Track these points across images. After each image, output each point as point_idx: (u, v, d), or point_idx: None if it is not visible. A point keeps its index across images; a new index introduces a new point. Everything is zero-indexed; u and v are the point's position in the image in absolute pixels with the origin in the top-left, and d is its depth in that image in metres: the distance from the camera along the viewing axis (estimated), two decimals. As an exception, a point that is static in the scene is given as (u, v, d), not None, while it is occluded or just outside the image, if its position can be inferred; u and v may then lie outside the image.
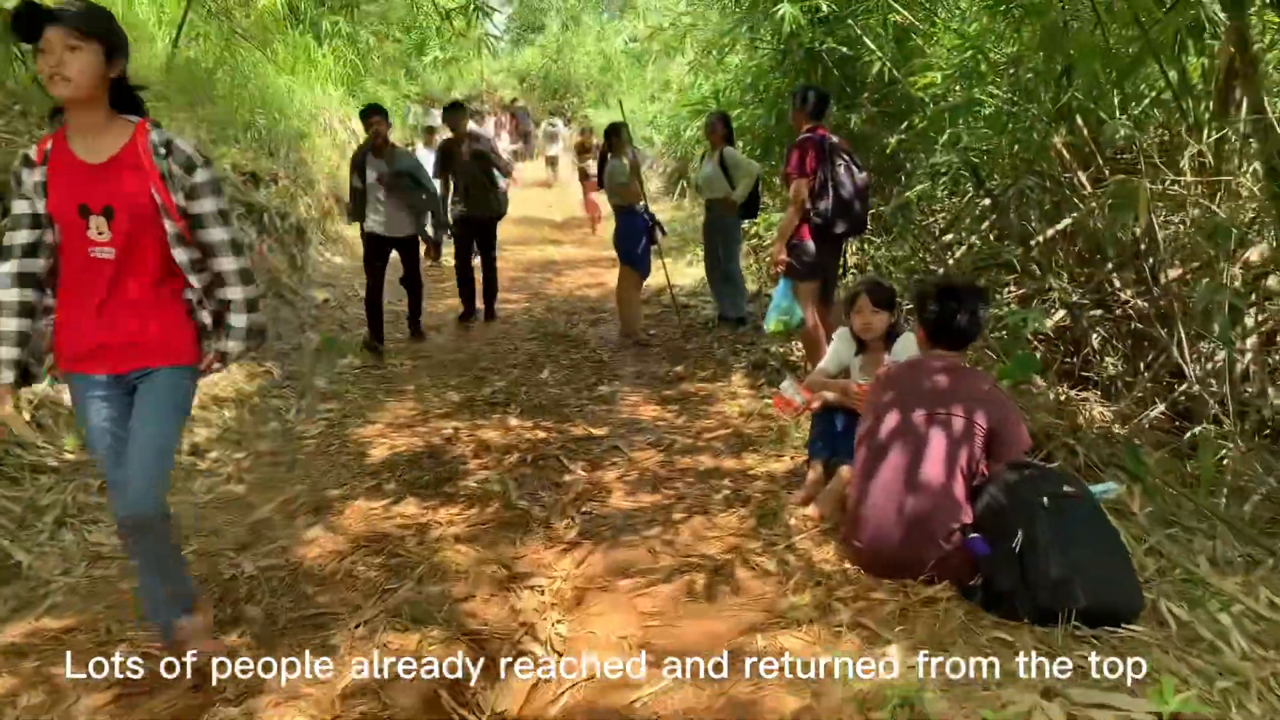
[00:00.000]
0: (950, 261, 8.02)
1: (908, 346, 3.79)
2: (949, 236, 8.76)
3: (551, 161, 20.94)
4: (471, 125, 9.07)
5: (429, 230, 7.05)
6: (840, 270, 5.66)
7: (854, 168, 5.23)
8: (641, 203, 7.34)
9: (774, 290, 5.45)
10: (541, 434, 4.91)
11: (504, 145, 14.37)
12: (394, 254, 7.00)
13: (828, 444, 3.85)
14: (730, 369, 6.17)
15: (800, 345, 6.17)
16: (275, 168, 10.32)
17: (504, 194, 8.40)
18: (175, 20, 11.28)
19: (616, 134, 7.37)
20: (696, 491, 3.97)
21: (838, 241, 5.41)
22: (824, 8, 8.61)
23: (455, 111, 8.11)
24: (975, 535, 2.91)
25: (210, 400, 5.20)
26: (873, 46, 8.39)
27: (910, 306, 5.73)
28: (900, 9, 8.29)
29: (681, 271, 10.35)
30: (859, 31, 8.49)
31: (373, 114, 6.86)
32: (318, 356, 6.60)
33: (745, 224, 8.37)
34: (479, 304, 8.33)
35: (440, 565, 3.27)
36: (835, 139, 5.35)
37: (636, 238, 7.31)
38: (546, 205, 17.53)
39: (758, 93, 10.68)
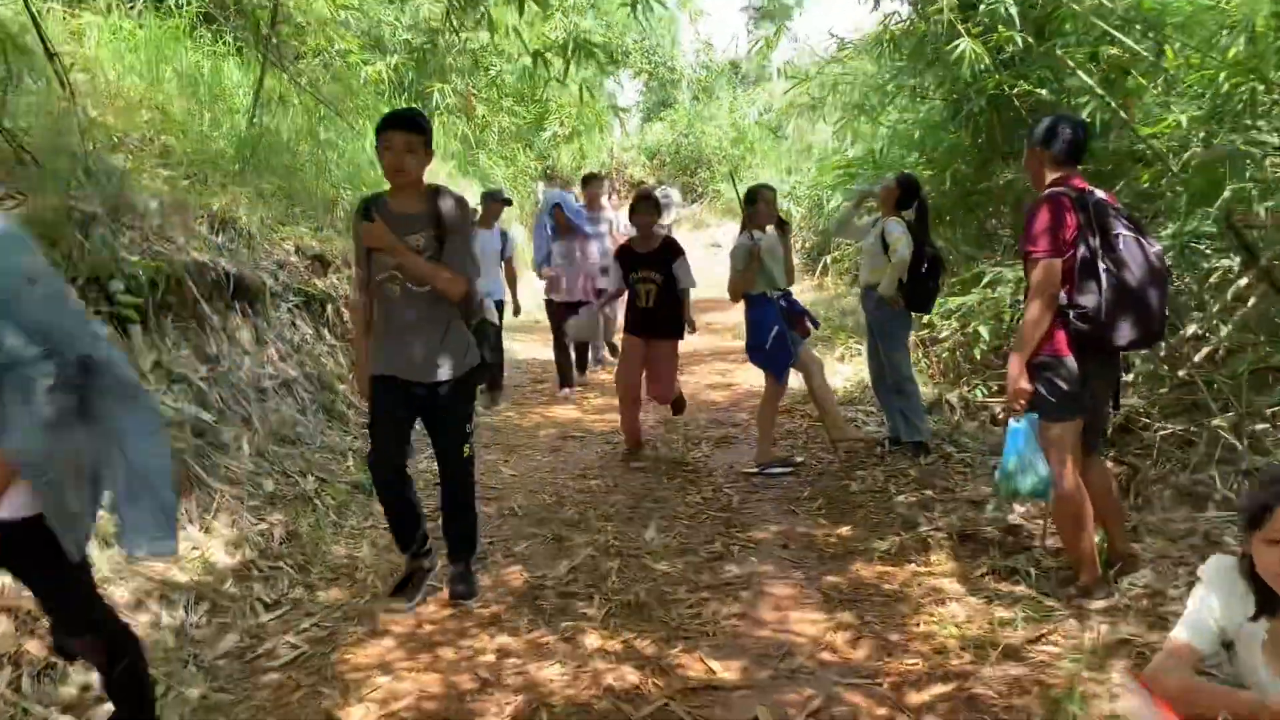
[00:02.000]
0: (1194, 359, 5.87)
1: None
2: (1190, 329, 6.57)
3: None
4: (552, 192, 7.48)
5: None
6: (1114, 402, 3.59)
7: (1141, 237, 3.23)
8: (773, 291, 5.55)
9: (1010, 429, 3.42)
10: (631, 674, 3.00)
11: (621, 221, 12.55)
12: None
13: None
14: (921, 535, 4.16)
15: (1041, 511, 4.11)
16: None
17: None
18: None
19: (754, 202, 5.59)
20: None
21: (1113, 356, 3.39)
22: (1016, 41, 6.76)
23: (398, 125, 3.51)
24: None
25: (159, 587, 3.55)
26: (1091, 83, 6.39)
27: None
28: (1120, 37, 6.33)
29: (831, 368, 8.31)
30: (1070, 67, 6.52)
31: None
32: (348, 501, 4.93)
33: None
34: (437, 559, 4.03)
35: None
36: (1102, 193, 3.36)
37: (763, 333, 5.49)
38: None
39: (924, 152, 8.79)
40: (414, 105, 13.33)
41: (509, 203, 8.13)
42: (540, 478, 5.54)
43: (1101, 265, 3.15)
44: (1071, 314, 3.20)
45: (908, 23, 8.35)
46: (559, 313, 7.83)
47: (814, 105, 9.99)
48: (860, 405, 7.05)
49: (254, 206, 7.53)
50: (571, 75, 7.71)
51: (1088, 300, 3.17)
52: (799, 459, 5.74)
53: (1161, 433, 5.15)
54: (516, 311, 7.85)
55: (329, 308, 7.34)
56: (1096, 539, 3.51)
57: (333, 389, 6.56)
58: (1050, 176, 3.38)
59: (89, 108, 6.34)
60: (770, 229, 5.59)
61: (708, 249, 18.17)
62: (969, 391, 6.81)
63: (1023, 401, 3.29)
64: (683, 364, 9.56)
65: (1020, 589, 3.51)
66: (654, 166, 31.04)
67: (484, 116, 15.84)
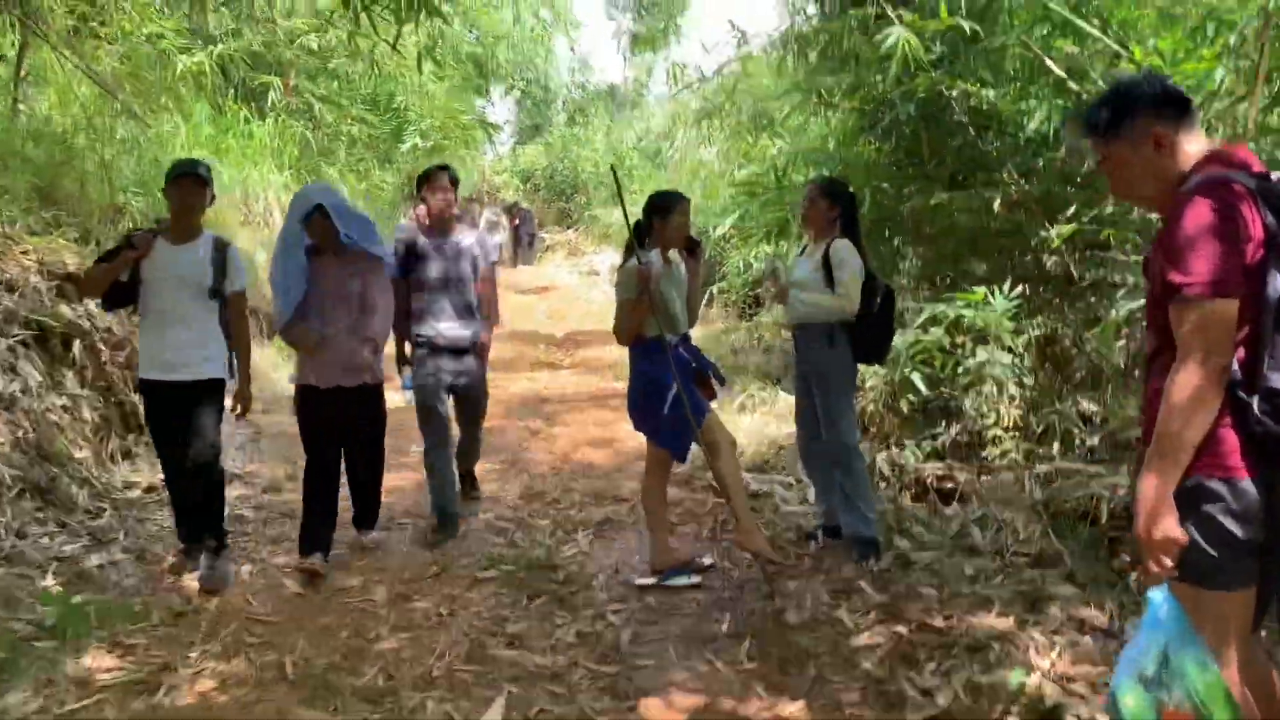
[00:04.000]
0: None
1: None
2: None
3: None
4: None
5: None
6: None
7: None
8: (671, 335, 3.98)
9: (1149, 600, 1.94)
10: None
11: (489, 249, 10.69)
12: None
13: None
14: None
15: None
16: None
17: None
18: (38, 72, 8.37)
19: (666, 213, 4.02)
20: None
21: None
22: (963, 29, 5.53)
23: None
24: None
25: None
26: (1062, 74, 5.18)
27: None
28: (1084, 24, 5.15)
29: (732, 422, 6.56)
30: (1038, 55, 5.30)
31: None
32: (14, 660, 3.08)
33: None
34: None
35: None
36: (1287, 174, 1.93)
37: (657, 394, 3.94)
38: (545, 316, 14.30)
39: (837, 166, 7.47)
40: (244, 105, 11.38)
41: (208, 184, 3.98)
42: (337, 600, 3.81)
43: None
44: (1256, 404, 1.75)
45: (817, 18, 7.14)
46: (319, 410, 4.19)
47: (709, 115, 8.61)
48: (776, 474, 5.58)
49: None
50: (411, 43, 6.05)
51: (1284, 379, 1.73)
52: (707, 560, 4.20)
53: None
54: (244, 408, 4.09)
55: (76, 345, 5.44)
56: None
57: (57, 460, 4.67)
58: (1190, 153, 1.94)
59: None
60: (674, 253, 4.08)
61: (585, 276, 16.73)
62: (900, 454, 5.46)
63: (1170, 561, 1.81)
64: (554, 413, 7.93)
65: None
66: (528, 190, 29.53)
67: (333, 122, 13.93)
